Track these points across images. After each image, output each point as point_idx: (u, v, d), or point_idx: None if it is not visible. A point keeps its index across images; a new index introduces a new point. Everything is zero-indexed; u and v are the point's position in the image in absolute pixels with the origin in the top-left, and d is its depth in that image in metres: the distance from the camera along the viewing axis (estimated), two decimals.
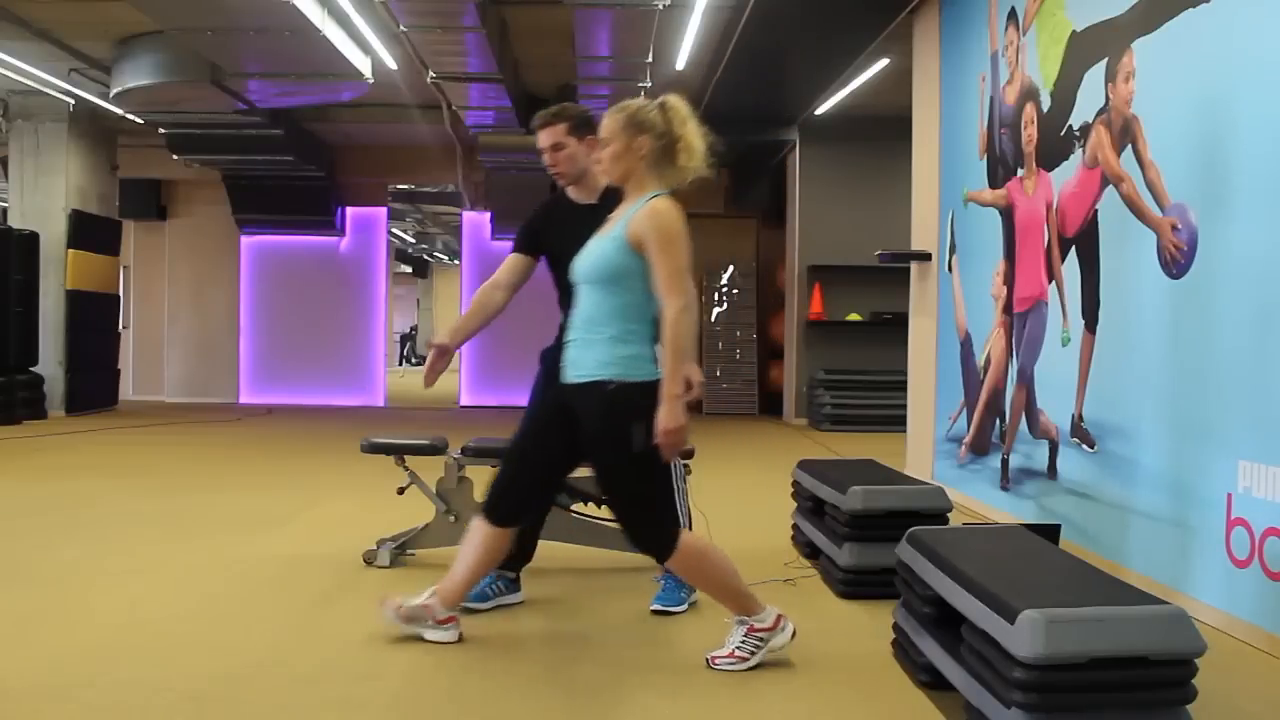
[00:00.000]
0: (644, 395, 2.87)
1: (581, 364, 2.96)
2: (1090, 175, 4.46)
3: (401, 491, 4.21)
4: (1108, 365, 4.32)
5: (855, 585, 3.75)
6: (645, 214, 2.90)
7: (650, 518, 2.95)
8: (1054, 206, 4.83)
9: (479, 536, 3.08)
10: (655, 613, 3.53)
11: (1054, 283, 4.82)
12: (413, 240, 23.54)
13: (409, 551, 4.23)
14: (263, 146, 10.93)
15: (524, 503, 3.13)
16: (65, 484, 6.32)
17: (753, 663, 2.94)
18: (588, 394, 2.93)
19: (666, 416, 2.81)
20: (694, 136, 3.02)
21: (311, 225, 13.06)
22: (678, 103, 3.05)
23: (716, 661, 2.95)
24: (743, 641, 2.94)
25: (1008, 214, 5.42)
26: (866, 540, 3.75)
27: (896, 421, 7.68)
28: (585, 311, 2.99)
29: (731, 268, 13.04)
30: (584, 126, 3.50)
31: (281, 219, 12.95)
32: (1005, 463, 5.33)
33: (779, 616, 2.98)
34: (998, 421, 5.46)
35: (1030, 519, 4.73)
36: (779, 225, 12.32)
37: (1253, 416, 3.35)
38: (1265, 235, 3.31)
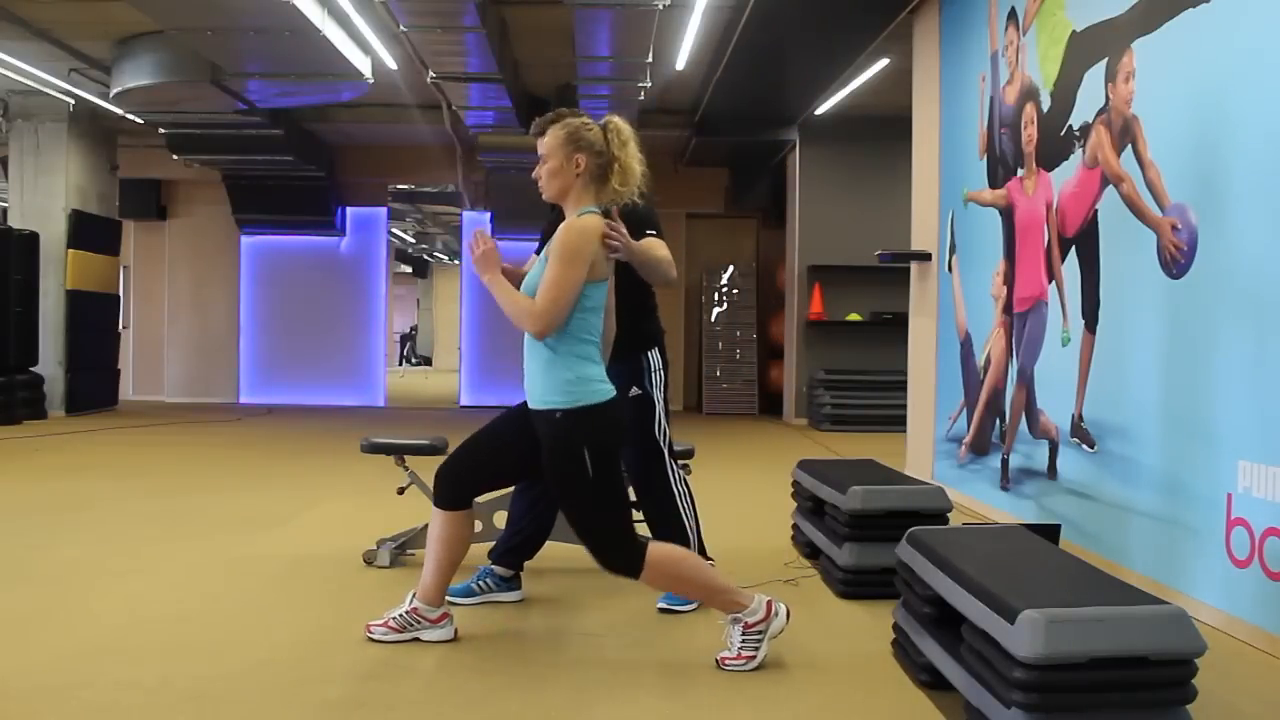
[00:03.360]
0: (591, 420, 2.89)
1: (533, 390, 2.98)
2: (1090, 175, 4.47)
3: (401, 491, 4.21)
4: (1108, 365, 4.32)
5: (855, 585, 3.75)
6: (561, 229, 2.91)
7: (613, 541, 2.94)
8: (1054, 206, 4.83)
9: (436, 525, 3.11)
10: (662, 611, 3.53)
11: (1054, 283, 4.82)
12: (413, 240, 23.53)
13: (409, 551, 4.23)
14: (263, 146, 10.93)
15: (468, 487, 3.12)
16: (65, 484, 6.32)
17: (760, 658, 2.94)
18: (541, 422, 2.95)
19: (484, 258, 2.96)
20: (632, 160, 3.02)
21: (311, 225, 13.06)
22: (621, 124, 3.05)
23: (726, 663, 2.95)
24: (744, 640, 2.94)
25: (1008, 214, 5.42)
26: (866, 540, 3.75)
27: (896, 421, 7.68)
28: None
29: (731, 268, 13.05)
30: None
31: (281, 219, 12.94)
32: (1005, 463, 5.33)
33: (769, 603, 2.97)
34: (998, 421, 5.46)
35: (1030, 519, 4.73)
36: (779, 225, 12.32)
37: (1253, 416, 3.35)
38: (1265, 235, 3.31)
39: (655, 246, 3.40)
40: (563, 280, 2.85)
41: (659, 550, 2.95)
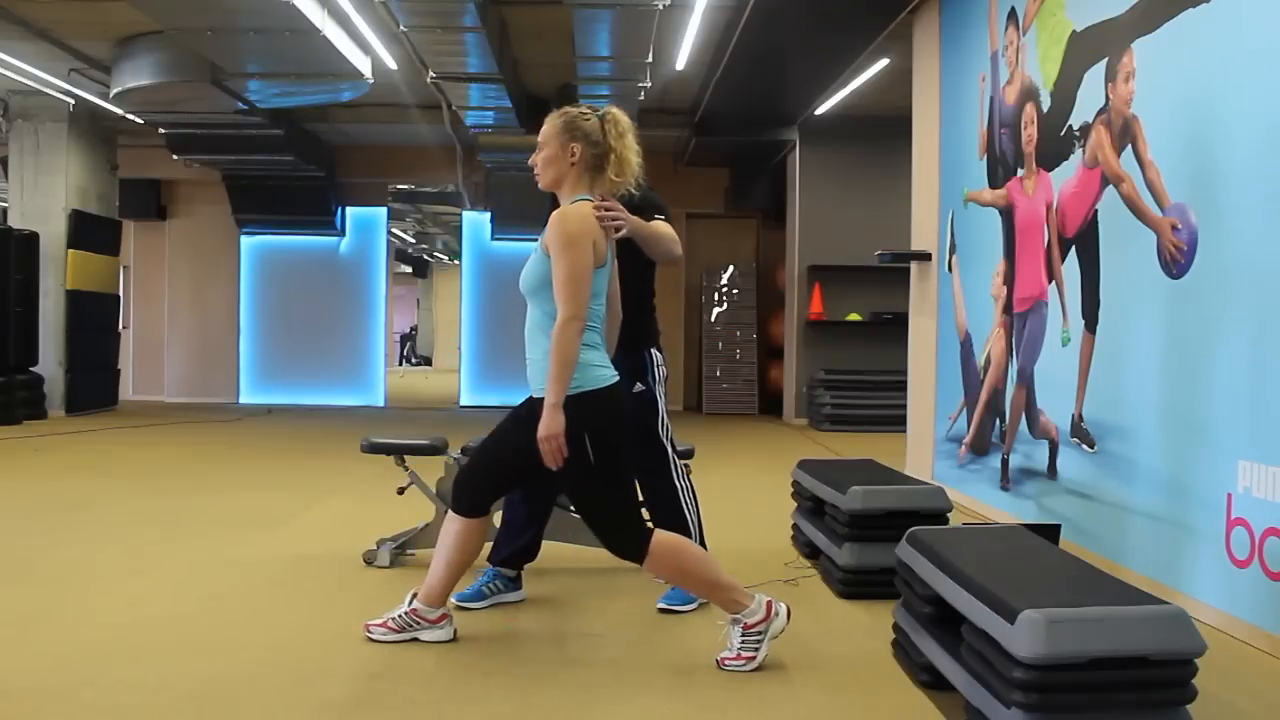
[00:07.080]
0: (588, 405, 2.87)
1: (535, 377, 2.98)
2: (1090, 175, 4.47)
3: (401, 491, 4.21)
4: (1108, 365, 4.32)
5: (855, 585, 3.75)
6: (554, 219, 2.90)
7: (616, 524, 2.95)
8: (1054, 206, 4.83)
9: (452, 530, 3.10)
10: (662, 611, 3.53)
11: (1054, 283, 4.82)
12: (413, 240, 23.51)
13: (409, 551, 4.23)
14: (263, 146, 10.93)
15: (490, 493, 3.13)
16: (65, 484, 6.32)
17: (760, 659, 2.94)
18: (540, 409, 2.93)
19: (544, 425, 2.81)
20: (629, 151, 3.03)
21: (311, 225, 13.06)
22: (619, 115, 3.06)
23: (725, 663, 2.95)
24: (743, 641, 2.94)
25: (1008, 214, 5.42)
26: (866, 540, 3.75)
27: (896, 421, 7.68)
28: (528, 323, 3.02)
29: (731, 268, 13.04)
30: None
31: (281, 219, 12.95)
32: (1005, 463, 5.33)
33: (769, 604, 2.97)
34: (998, 421, 5.46)
35: (1030, 519, 4.73)
36: (779, 225, 12.32)
37: (1252, 416, 3.35)
38: (1265, 235, 3.31)
39: (661, 225, 3.44)
40: (573, 268, 2.84)
41: (664, 539, 2.96)
